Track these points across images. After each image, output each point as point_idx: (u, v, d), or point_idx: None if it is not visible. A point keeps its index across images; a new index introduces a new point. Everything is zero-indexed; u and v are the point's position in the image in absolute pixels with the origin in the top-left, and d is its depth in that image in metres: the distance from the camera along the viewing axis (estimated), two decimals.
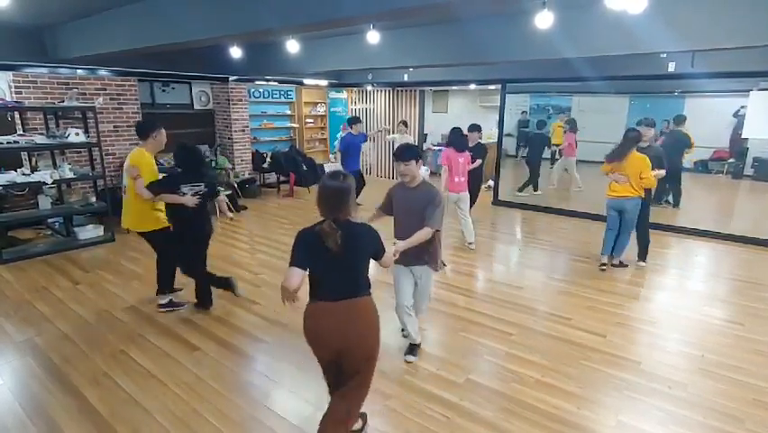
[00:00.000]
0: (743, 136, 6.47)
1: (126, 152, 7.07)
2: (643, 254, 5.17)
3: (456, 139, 5.70)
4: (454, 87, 10.59)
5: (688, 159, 7.12)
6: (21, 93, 5.94)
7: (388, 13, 3.27)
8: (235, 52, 6.09)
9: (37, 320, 3.79)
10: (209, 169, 3.85)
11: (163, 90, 7.94)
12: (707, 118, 7.37)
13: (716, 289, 4.67)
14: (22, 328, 3.65)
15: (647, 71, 6.10)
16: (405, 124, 8.22)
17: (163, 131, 3.92)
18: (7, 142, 5.04)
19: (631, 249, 5.15)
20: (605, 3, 3.46)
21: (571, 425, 2.62)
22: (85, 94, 6.47)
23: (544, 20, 3.83)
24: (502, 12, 4.98)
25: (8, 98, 5.84)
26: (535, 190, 8.49)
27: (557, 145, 8.65)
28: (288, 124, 10.13)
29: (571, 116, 8.73)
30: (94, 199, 5.93)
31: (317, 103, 10.40)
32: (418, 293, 3.18)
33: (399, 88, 10.34)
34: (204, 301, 4.03)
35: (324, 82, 9.93)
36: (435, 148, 10.75)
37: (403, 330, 3.32)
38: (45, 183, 5.31)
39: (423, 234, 2.83)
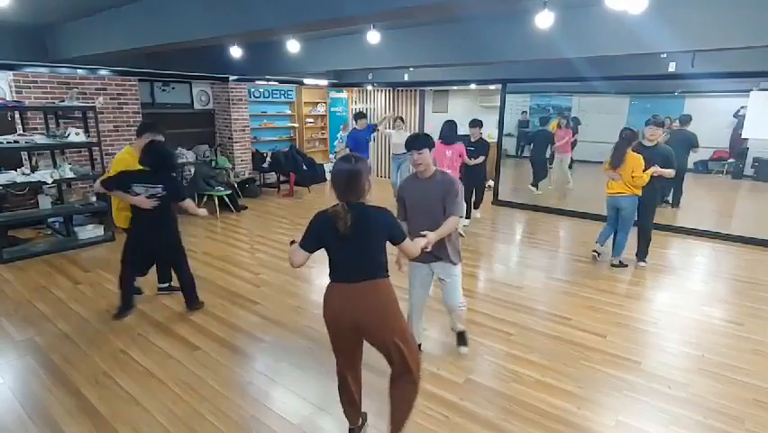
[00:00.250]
0: (743, 136, 6.47)
1: None
2: (643, 254, 5.16)
3: (445, 131, 5.63)
4: (455, 87, 10.57)
5: (691, 159, 7.11)
6: (21, 93, 5.94)
7: (388, 12, 3.27)
8: (235, 52, 6.09)
9: (37, 320, 3.79)
10: (175, 172, 3.70)
11: (163, 90, 7.94)
12: (707, 118, 7.37)
13: (716, 289, 4.67)
14: (22, 328, 3.65)
15: (648, 71, 6.10)
16: (401, 119, 8.13)
17: (160, 137, 3.82)
18: (7, 142, 5.04)
19: (631, 249, 5.16)
20: (605, 3, 3.46)
21: (571, 425, 2.62)
22: (85, 93, 6.47)
23: (544, 20, 3.83)
24: (503, 12, 4.98)
25: (8, 98, 5.84)
26: (537, 187, 8.48)
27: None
28: (289, 124, 10.13)
29: (572, 116, 8.74)
30: (94, 199, 5.93)
31: (317, 103, 10.40)
32: (447, 291, 3.06)
33: (400, 88, 10.34)
34: (189, 302, 3.99)
35: (324, 82, 9.93)
36: None
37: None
38: (45, 183, 5.31)
39: (451, 224, 2.71)
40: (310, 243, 2.16)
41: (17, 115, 5.93)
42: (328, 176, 10.46)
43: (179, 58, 7.19)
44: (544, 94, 9.14)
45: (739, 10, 3.81)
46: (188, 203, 3.76)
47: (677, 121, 6.85)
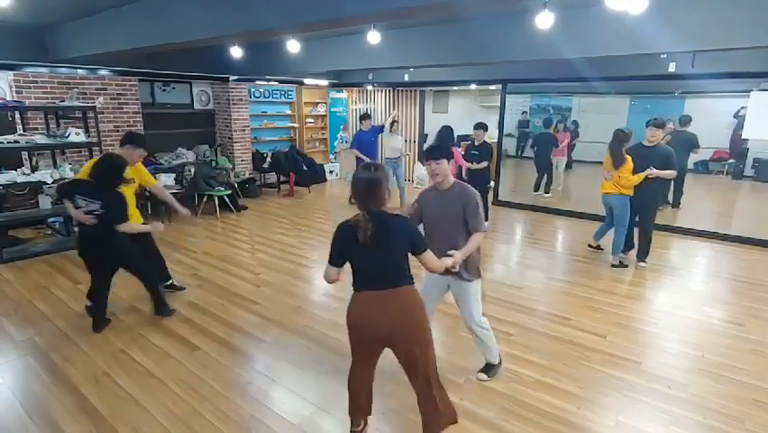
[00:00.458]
0: (743, 137, 6.46)
1: None
2: (643, 254, 5.17)
3: (443, 140, 5.62)
4: (455, 88, 10.58)
5: (692, 159, 7.11)
6: (21, 93, 5.94)
7: (388, 12, 3.27)
8: (236, 52, 6.09)
9: (37, 320, 3.79)
10: (117, 194, 3.40)
11: (164, 90, 7.94)
12: (707, 119, 7.37)
13: (716, 289, 4.67)
14: (22, 328, 3.65)
15: (648, 72, 6.10)
16: (396, 122, 7.81)
17: (138, 152, 3.73)
18: (8, 142, 5.05)
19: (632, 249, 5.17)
20: (605, 3, 3.46)
21: (571, 425, 2.62)
22: (85, 93, 6.48)
23: (544, 20, 3.83)
24: (503, 12, 4.98)
25: (9, 98, 5.84)
26: (537, 190, 8.48)
27: None
28: (289, 124, 10.13)
29: (572, 120, 8.75)
30: None
31: (318, 103, 10.40)
32: (461, 308, 2.91)
33: (400, 88, 10.34)
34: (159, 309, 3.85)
35: (324, 82, 9.93)
36: None
37: None
38: (45, 183, 5.31)
39: (477, 240, 2.66)
40: (336, 255, 2.18)
41: (17, 115, 5.94)
42: (328, 176, 10.47)
43: (179, 58, 7.19)
44: (545, 94, 9.14)
45: (739, 10, 3.81)
46: (125, 228, 3.44)
47: (676, 121, 6.84)
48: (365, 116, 7.73)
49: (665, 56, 5.58)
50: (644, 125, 4.91)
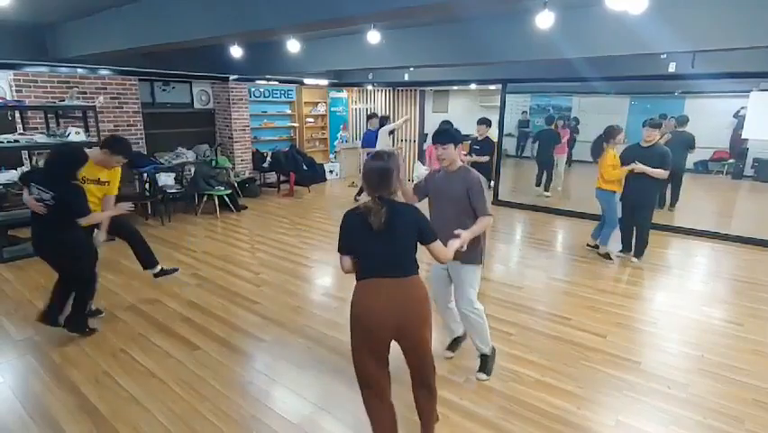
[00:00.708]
0: (743, 137, 6.46)
1: None
2: (638, 252, 5.23)
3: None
4: (455, 87, 10.58)
5: (690, 159, 7.11)
6: (21, 92, 5.94)
7: (388, 12, 3.27)
8: (236, 52, 6.09)
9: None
10: (72, 186, 3.20)
11: (164, 90, 7.94)
12: (707, 119, 7.37)
13: (716, 289, 4.68)
14: (22, 327, 3.65)
15: (648, 72, 6.10)
16: (384, 120, 7.81)
17: (116, 158, 3.52)
18: (8, 141, 5.04)
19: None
20: (606, 3, 3.46)
21: (571, 425, 2.62)
22: (85, 93, 6.48)
23: (544, 20, 3.83)
24: (503, 12, 4.98)
25: (9, 97, 5.84)
26: (538, 185, 8.48)
27: None
28: (289, 124, 10.13)
29: (572, 116, 8.75)
30: None
31: (318, 102, 10.40)
32: (456, 291, 2.95)
33: (400, 88, 10.35)
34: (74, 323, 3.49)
35: (324, 82, 9.93)
36: None
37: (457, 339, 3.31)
38: None
39: (485, 223, 2.69)
40: (347, 244, 2.15)
41: (17, 115, 5.94)
42: (328, 176, 10.47)
43: (180, 57, 7.19)
44: (545, 94, 9.14)
45: (739, 10, 3.81)
46: (87, 220, 3.27)
47: (673, 120, 6.83)
48: (373, 115, 7.85)
49: (665, 56, 5.58)
50: (643, 126, 4.95)
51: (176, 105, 8.17)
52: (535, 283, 4.74)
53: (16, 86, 5.91)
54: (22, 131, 5.66)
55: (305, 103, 10.09)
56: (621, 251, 5.45)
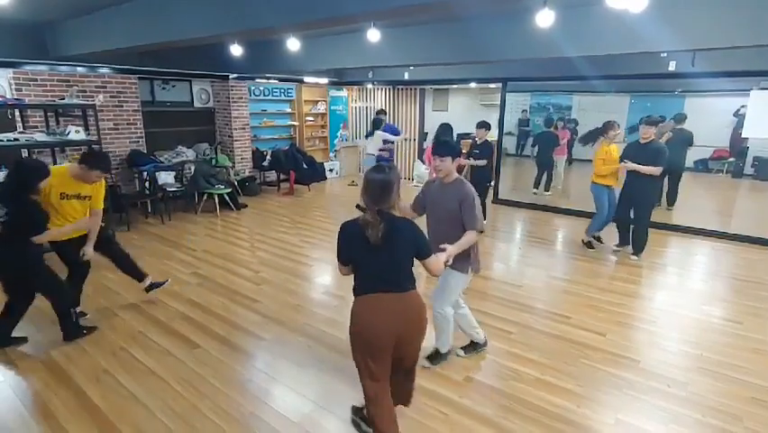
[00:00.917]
0: (743, 136, 6.46)
1: (126, 149, 7.13)
2: (637, 248, 5.30)
3: (438, 135, 5.65)
4: (455, 86, 10.57)
5: (690, 158, 7.10)
6: (21, 90, 5.93)
7: (388, 11, 3.27)
8: (236, 50, 6.08)
9: (37, 318, 3.79)
10: (27, 201, 3.04)
11: (163, 88, 7.93)
12: (707, 117, 7.36)
13: (715, 287, 4.68)
14: (22, 326, 3.64)
15: (648, 70, 6.10)
16: (376, 123, 7.73)
17: (95, 173, 3.39)
18: (7, 140, 5.04)
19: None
20: (606, 2, 3.45)
21: (571, 423, 2.62)
22: (85, 91, 6.47)
23: (544, 18, 3.82)
24: (503, 10, 4.98)
25: (8, 96, 5.83)
26: (536, 187, 8.48)
27: None
28: (289, 123, 10.12)
29: (571, 117, 8.74)
30: None
31: (318, 101, 10.39)
32: (436, 290, 3.03)
33: (400, 87, 10.33)
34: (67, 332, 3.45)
35: (324, 80, 9.92)
36: None
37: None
38: None
39: (470, 239, 2.71)
40: (345, 256, 2.17)
41: (17, 113, 5.93)
42: (328, 174, 10.47)
43: (179, 56, 7.18)
44: (545, 93, 9.13)
45: (739, 10, 3.81)
46: (40, 238, 3.15)
47: (672, 122, 6.83)
48: (380, 112, 7.87)
49: (665, 55, 5.58)
50: (639, 123, 5.02)
51: (176, 103, 8.16)
52: (535, 282, 4.75)
53: (16, 84, 5.90)
54: (21, 129, 5.66)
55: (305, 101, 10.08)
56: (617, 245, 5.55)
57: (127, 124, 7.04)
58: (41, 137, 5.34)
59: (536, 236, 6.47)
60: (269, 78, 9.06)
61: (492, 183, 8.45)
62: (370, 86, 10.58)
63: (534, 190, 8.45)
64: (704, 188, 8.18)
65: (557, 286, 4.65)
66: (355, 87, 10.78)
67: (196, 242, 5.89)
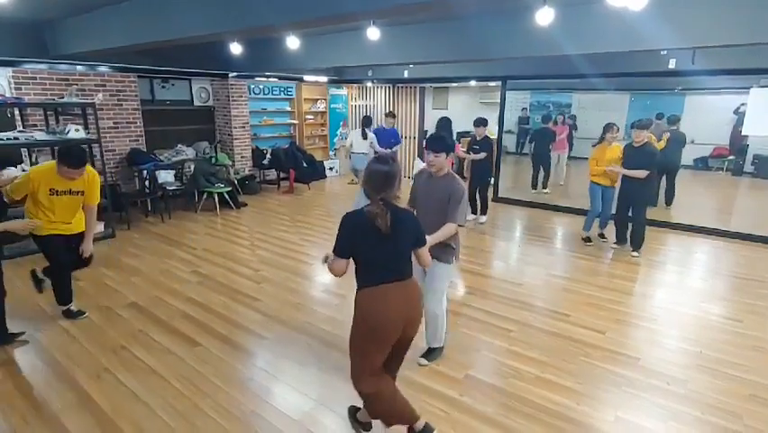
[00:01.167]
0: (743, 133, 6.46)
1: (126, 148, 7.13)
2: (636, 245, 5.37)
3: (438, 128, 5.66)
4: (455, 84, 10.57)
5: (688, 156, 7.12)
6: (20, 89, 5.93)
7: (389, 9, 3.27)
8: (235, 49, 6.08)
9: (38, 316, 3.80)
10: None
11: (163, 87, 7.92)
12: (707, 115, 7.37)
13: (714, 285, 4.69)
14: (22, 324, 3.65)
15: (648, 68, 6.10)
16: (367, 122, 7.62)
17: (63, 169, 3.33)
18: (7, 139, 5.04)
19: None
20: (606, 0, 3.45)
21: (571, 421, 2.63)
22: (84, 90, 6.47)
23: (544, 16, 3.82)
24: (503, 9, 4.97)
25: (8, 94, 5.83)
26: (534, 188, 8.48)
27: None
28: (288, 121, 10.12)
29: (570, 113, 8.74)
30: None
31: (317, 99, 10.39)
32: (425, 286, 2.98)
33: (400, 85, 10.33)
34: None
35: (324, 78, 9.92)
36: None
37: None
38: None
39: (448, 231, 2.78)
40: (346, 247, 2.13)
41: (17, 112, 5.93)
42: (328, 173, 10.46)
43: (179, 54, 7.18)
44: (545, 91, 9.13)
45: (739, 8, 3.81)
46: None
47: (665, 123, 6.84)
48: (390, 114, 7.90)
49: (665, 53, 5.58)
50: (631, 127, 5.11)
51: (175, 102, 8.16)
52: (535, 280, 4.75)
53: (15, 83, 5.90)
54: (21, 128, 5.66)
55: (304, 100, 10.08)
56: (615, 243, 5.64)
57: (127, 122, 7.04)
58: (40, 136, 5.34)
59: (536, 234, 6.47)
60: (268, 77, 9.05)
61: (492, 180, 8.49)
62: (369, 84, 10.57)
63: (533, 191, 8.44)
64: (704, 186, 8.19)
65: (557, 284, 4.65)
66: (355, 85, 10.78)
67: (197, 240, 5.89)
